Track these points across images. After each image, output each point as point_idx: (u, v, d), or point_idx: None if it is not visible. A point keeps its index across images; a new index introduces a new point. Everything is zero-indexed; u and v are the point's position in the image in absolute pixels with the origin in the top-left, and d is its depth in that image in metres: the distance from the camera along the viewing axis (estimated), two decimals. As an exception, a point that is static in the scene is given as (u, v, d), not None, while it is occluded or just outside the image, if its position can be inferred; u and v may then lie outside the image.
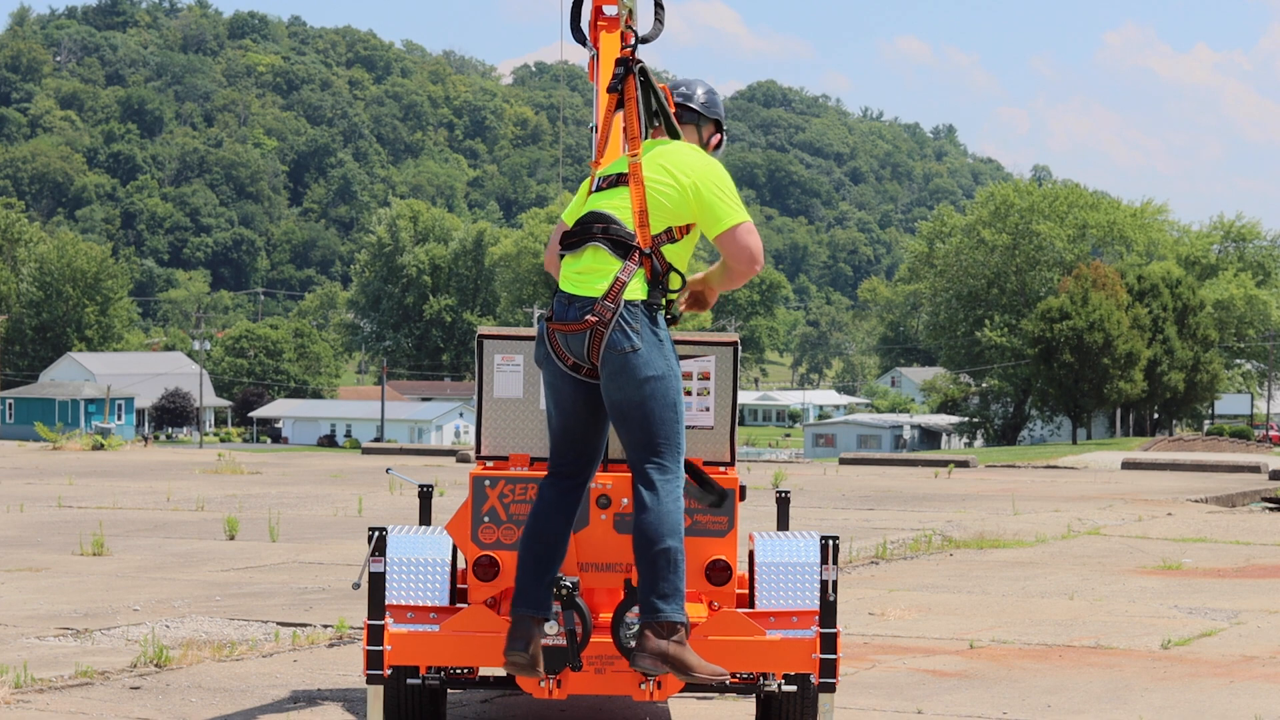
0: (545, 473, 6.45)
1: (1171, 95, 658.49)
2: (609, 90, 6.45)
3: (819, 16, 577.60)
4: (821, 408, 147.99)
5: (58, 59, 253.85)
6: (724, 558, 6.69)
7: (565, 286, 6.30)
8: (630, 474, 6.34)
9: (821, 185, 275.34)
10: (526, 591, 6.27)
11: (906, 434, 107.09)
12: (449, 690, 7.70)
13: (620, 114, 6.52)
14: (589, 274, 6.25)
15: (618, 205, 6.30)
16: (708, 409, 7.00)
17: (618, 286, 6.18)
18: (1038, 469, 33.55)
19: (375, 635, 6.44)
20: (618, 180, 6.35)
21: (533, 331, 7.06)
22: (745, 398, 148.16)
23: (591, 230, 6.28)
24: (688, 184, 6.32)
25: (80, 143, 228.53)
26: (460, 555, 7.04)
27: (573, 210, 6.47)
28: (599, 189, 6.39)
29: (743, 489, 6.87)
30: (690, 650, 6.20)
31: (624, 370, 6.17)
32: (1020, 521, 19.02)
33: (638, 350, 6.16)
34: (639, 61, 6.55)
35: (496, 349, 7.09)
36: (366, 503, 20.75)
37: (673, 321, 6.38)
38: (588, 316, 6.17)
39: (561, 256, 6.38)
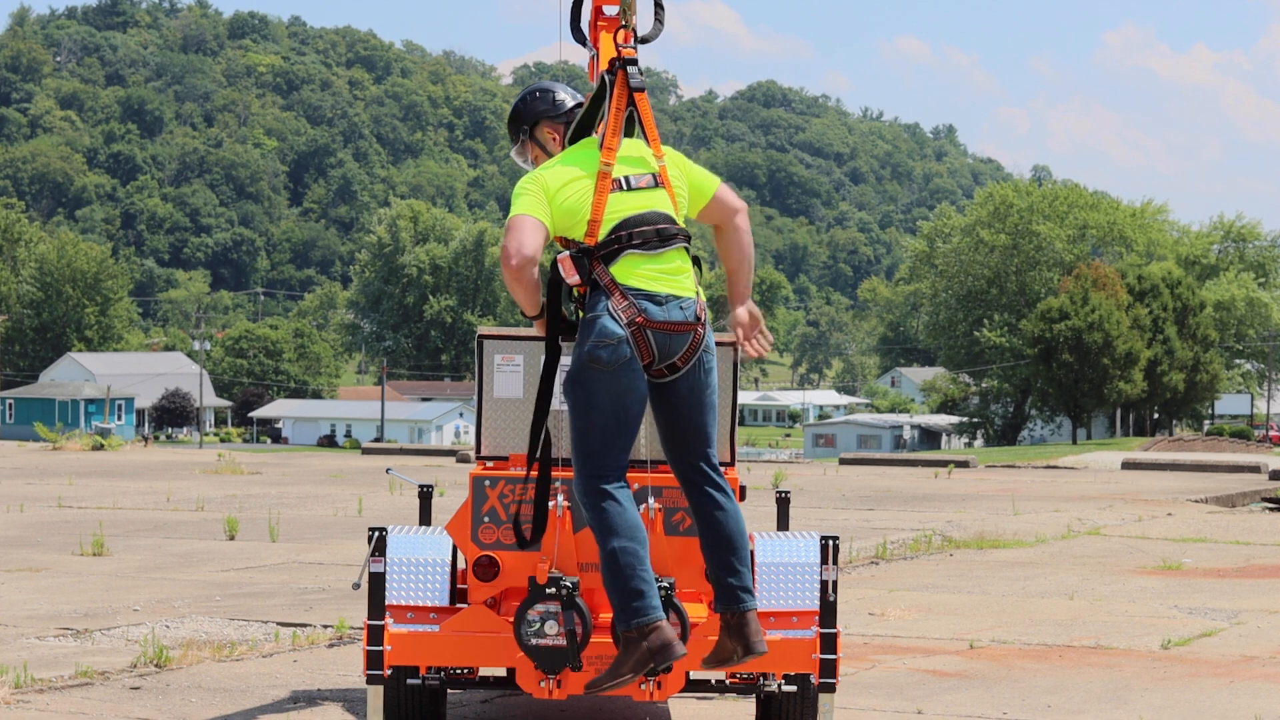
0: (604, 480, 6.17)
1: (1171, 95, 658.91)
2: (636, 89, 6.44)
3: (819, 16, 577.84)
4: (821, 408, 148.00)
5: (58, 59, 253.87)
6: (724, 558, 6.68)
7: (653, 286, 6.17)
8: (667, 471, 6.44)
9: (821, 185, 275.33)
10: (649, 598, 6.14)
11: (906, 434, 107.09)
12: (449, 690, 7.70)
13: (611, 115, 6.51)
14: (678, 274, 6.23)
15: (667, 206, 6.32)
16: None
17: (697, 287, 6.32)
18: (1038, 469, 33.56)
19: (375, 635, 6.44)
20: (655, 182, 6.33)
21: (533, 332, 7.03)
22: (745, 398, 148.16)
23: (674, 231, 6.27)
24: (691, 180, 6.46)
25: (80, 143, 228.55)
26: (460, 555, 7.04)
27: (571, 208, 6.22)
28: (635, 188, 6.29)
29: (743, 489, 6.88)
30: None
31: (711, 370, 6.30)
32: (1020, 521, 19.02)
33: (714, 350, 6.36)
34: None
35: (496, 349, 7.09)
36: (366, 503, 20.75)
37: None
38: (699, 315, 6.24)
39: (622, 254, 6.21)
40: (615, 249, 6.19)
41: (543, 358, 6.48)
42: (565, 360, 6.96)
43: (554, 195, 6.23)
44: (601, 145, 6.32)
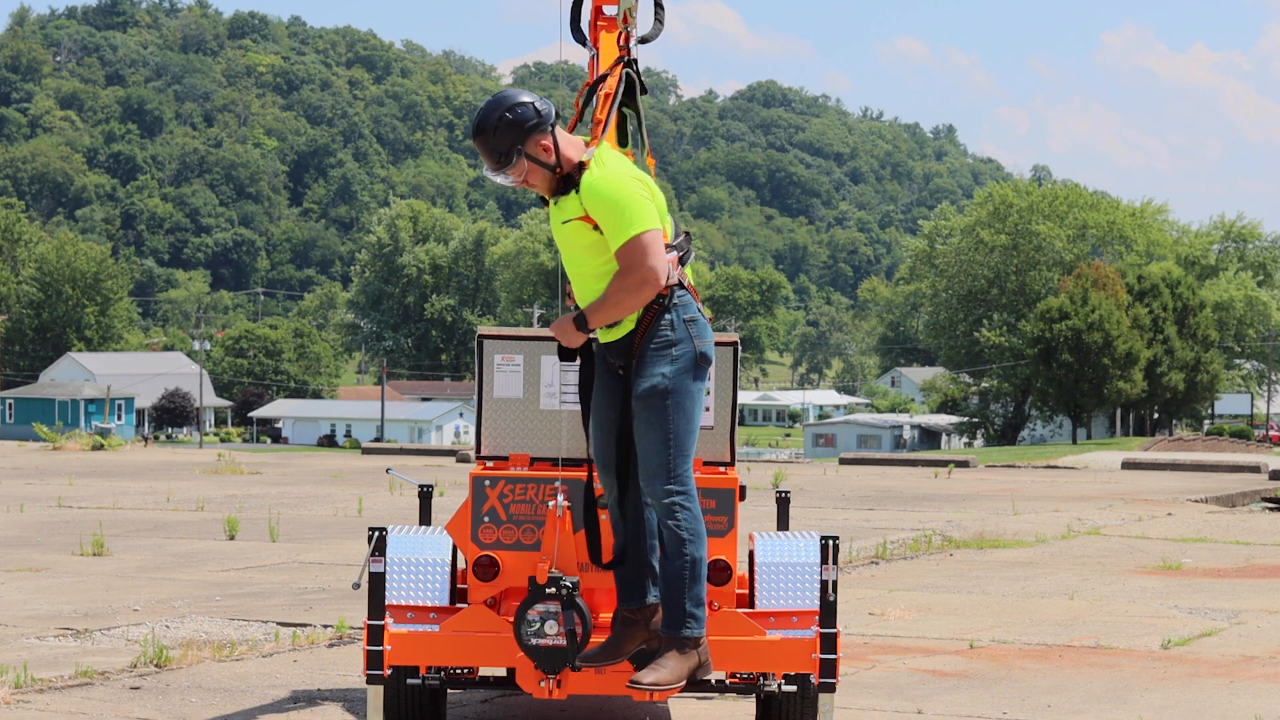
0: (691, 481, 6.23)
1: (1171, 95, 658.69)
2: (644, 92, 6.53)
3: (819, 16, 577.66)
4: (821, 408, 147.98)
5: (58, 59, 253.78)
6: (724, 558, 6.69)
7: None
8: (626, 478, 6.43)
9: (821, 185, 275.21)
10: None
11: (906, 434, 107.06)
12: (449, 690, 7.70)
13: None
14: None
15: None
16: (708, 409, 7.00)
17: None
18: (1038, 469, 33.55)
19: (375, 635, 6.44)
20: None
21: (532, 331, 7.09)
22: (745, 398, 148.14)
23: None
24: None
25: (80, 143, 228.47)
26: (460, 555, 7.04)
27: (662, 212, 6.25)
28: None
29: (743, 489, 6.89)
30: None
31: None
32: (1020, 521, 19.02)
33: None
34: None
35: (496, 349, 7.09)
36: (366, 503, 20.75)
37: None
38: None
39: (692, 256, 6.34)
40: (689, 251, 6.26)
41: (564, 363, 6.46)
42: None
43: (655, 200, 6.19)
44: (648, 150, 6.38)
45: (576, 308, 6.26)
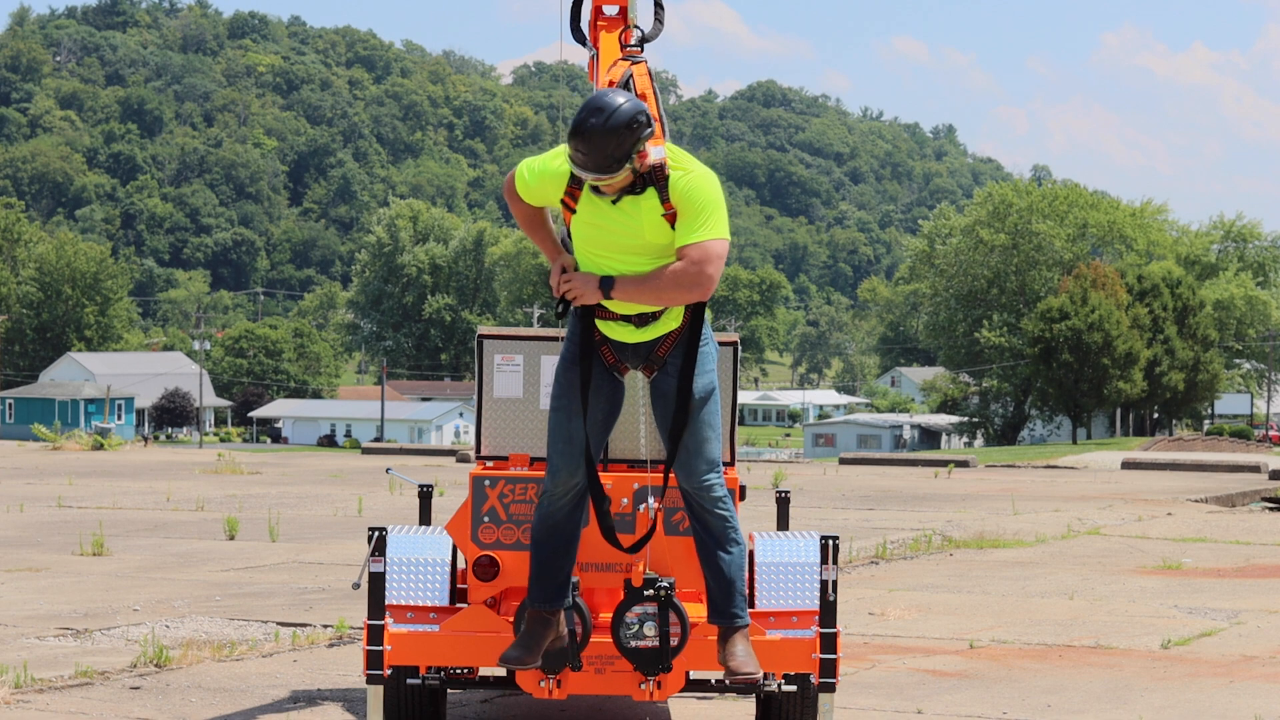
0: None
1: (1170, 95, 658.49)
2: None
3: (819, 16, 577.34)
4: (821, 408, 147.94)
5: (58, 59, 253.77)
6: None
7: None
8: (609, 474, 6.68)
9: (821, 185, 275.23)
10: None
11: (906, 434, 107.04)
12: (449, 690, 7.70)
13: None
14: None
15: None
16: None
17: None
18: (1038, 469, 33.55)
19: (375, 635, 6.44)
20: None
21: (532, 331, 7.09)
22: (745, 398, 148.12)
23: None
24: None
25: (80, 143, 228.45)
26: (460, 555, 7.04)
27: None
28: None
29: (743, 489, 6.89)
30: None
31: None
32: (1020, 521, 19.02)
33: None
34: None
35: (496, 349, 7.09)
36: (366, 503, 20.75)
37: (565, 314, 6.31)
38: None
39: None
40: None
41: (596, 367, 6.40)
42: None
43: None
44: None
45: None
